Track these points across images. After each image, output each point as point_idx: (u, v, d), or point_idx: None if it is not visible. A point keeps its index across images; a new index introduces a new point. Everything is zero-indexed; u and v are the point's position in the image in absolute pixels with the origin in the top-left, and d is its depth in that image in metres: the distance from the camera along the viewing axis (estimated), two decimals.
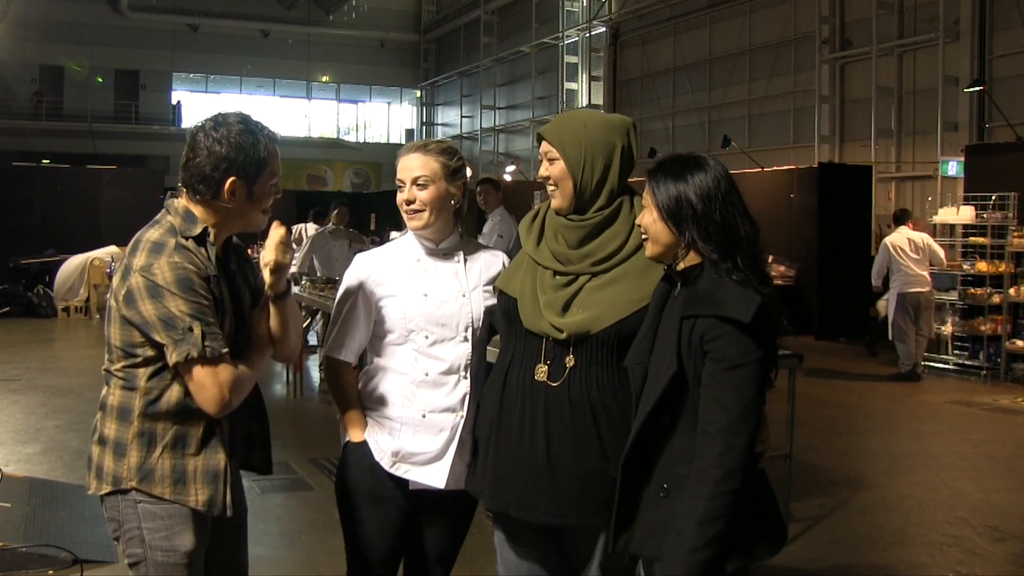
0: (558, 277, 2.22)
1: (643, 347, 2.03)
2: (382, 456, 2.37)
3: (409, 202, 2.37)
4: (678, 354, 1.92)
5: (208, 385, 1.98)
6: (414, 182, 2.37)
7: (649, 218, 2.01)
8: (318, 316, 8.20)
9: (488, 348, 2.49)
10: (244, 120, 2.10)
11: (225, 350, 2.00)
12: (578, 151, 2.21)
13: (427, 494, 2.39)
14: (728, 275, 1.91)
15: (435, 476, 2.35)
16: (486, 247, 2.58)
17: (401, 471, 2.36)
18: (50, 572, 3.81)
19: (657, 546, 1.93)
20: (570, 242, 2.23)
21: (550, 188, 2.27)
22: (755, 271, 1.92)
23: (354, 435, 2.42)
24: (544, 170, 2.27)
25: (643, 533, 1.97)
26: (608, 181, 2.22)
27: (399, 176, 2.40)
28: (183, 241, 2.05)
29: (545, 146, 2.27)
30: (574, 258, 2.21)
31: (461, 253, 2.44)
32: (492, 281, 2.44)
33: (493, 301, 2.41)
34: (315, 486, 5.27)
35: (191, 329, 1.95)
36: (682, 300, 1.97)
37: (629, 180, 2.30)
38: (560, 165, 2.23)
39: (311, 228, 10.24)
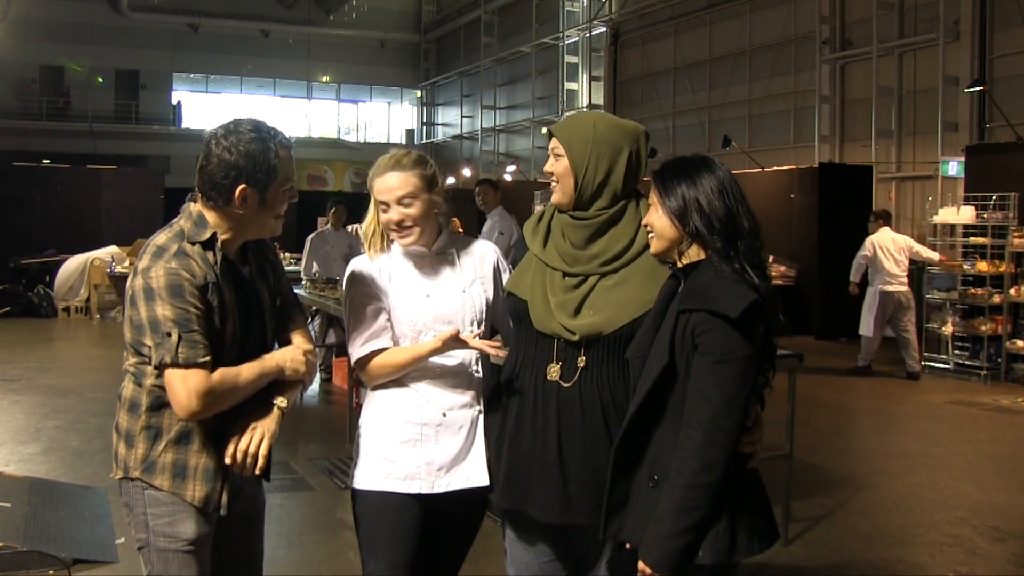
0: (568, 278, 2.23)
1: (645, 341, 2.06)
2: (416, 483, 2.32)
3: (398, 223, 2.35)
4: (671, 347, 1.96)
5: (176, 391, 2.03)
6: (398, 202, 2.34)
7: (655, 215, 2.05)
8: (318, 316, 8.21)
9: None
10: (256, 127, 2.12)
11: (202, 359, 2.02)
12: (583, 150, 2.22)
13: (443, 499, 2.37)
14: (730, 264, 1.94)
15: (476, 476, 2.34)
16: (477, 240, 2.58)
17: (443, 486, 2.33)
18: (50, 572, 3.81)
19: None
20: (576, 241, 2.24)
21: (553, 183, 2.29)
22: (755, 264, 1.97)
23: (444, 344, 2.26)
24: (549, 166, 2.29)
25: (633, 522, 2.01)
26: (610, 183, 2.22)
27: (380, 197, 2.36)
28: (187, 246, 2.09)
29: (553, 142, 2.29)
30: (581, 258, 2.22)
31: (453, 250, 2.45)
32: (489, 274, 2.45)
33: (491, 293, 2.43)
34: (315, 486, 5.27)
35: (169, 335, 2.01)
36: (681, 294, 2.01)
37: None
38: (564, 162, 2.24)
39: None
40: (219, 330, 2.09)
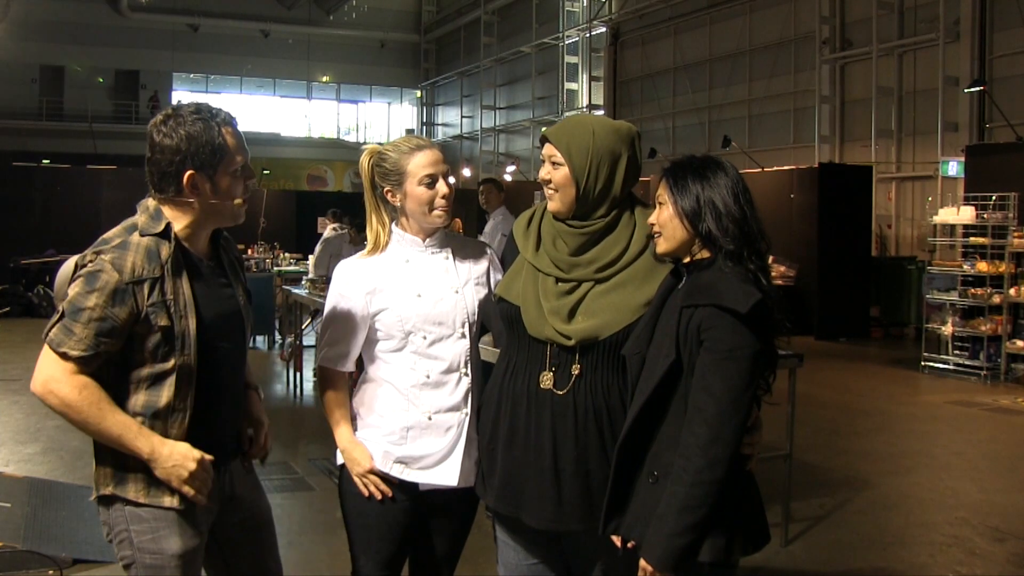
0: (561, 284, 2.18)
1: (643, 337, 2.04)
2: (387, 464, 2.35)
3: (446, 196, 2.33)
4: (676, 343, 1.93)
5: (38, 367, 1.95)
6: (444, 177, 2.35)
7: (666, 215, 2.02)
8: (319, 316, 8.22)
9: (480, 346, 2.48)
10: (197, 109, 2.04)
11: (67, 351, 1.91)
12: (584, 159, 2.15)
13: (433, 495, 2.37)
14: (742, 267, 1.93)
15: (446, 475, 2.34)
16: (472, 240, 2.55)
17: (410, 476, 2.34)
18: (50, 572, 3.81)
19: (643, 532, 1.95)
20: (570, 248, 2.19)
21: (549, 191, 2.22)
22: (763, 268, 1.96)
23: (348, 460, 2.39)
24: (546, 173, 2.22)
25: (632, 518, 2.00)
26: (611, 191, 2.17)
27: (430, 171, 2.31)
28: (133, 239, 2.01)
29: (549, 149, 2.21)
30: (575, 265, 2.18)
31: (449, 249, 2.42)
32: (483, 274, 2.43)
33: (485, 294, 2.41)
34: (315, 486, 5.27)
35: (59, 312, 1.96)
36: (684, 290, 1.99)
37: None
38: (564, 171, 2.17)
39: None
40: (166, 327, 1.98)
